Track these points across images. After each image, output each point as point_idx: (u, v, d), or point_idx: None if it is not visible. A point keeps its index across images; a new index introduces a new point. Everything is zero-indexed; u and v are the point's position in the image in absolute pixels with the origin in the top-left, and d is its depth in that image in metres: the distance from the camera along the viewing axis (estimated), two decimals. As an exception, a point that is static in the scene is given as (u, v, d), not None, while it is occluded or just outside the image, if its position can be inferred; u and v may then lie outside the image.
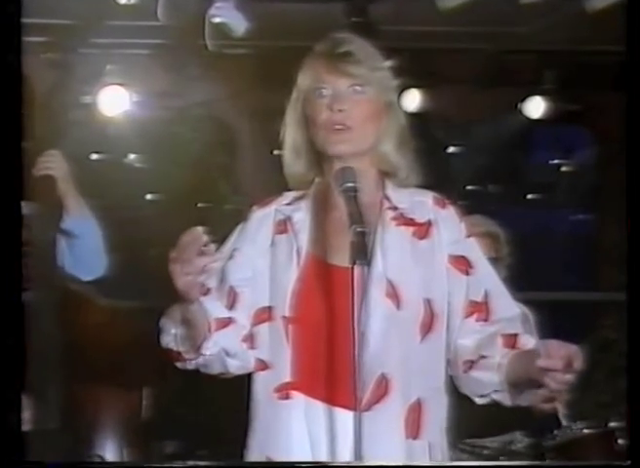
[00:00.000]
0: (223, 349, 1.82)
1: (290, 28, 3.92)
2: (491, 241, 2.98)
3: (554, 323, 3.05)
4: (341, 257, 1.77)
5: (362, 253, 1.65)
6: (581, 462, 2.57)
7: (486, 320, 1.85)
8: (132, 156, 5.11)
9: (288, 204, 1.90)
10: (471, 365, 1.83)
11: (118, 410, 2.72)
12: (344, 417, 1.74)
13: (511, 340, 1.83)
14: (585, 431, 2.70)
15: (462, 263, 1.86)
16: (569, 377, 1.68)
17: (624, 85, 1.73)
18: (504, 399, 1.83)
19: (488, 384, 1.82)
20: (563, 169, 5.58)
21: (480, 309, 1.86)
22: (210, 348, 1.80)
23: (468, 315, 1.85)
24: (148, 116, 4.74)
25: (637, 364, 1.71)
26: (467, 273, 1.85)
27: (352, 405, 1.68)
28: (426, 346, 1.82)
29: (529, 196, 5.69)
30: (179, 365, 1.83)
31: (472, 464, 1.78)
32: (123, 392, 2.75)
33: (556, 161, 5.58)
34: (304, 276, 1.81)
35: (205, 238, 1.67)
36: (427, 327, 1.81)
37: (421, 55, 4.63)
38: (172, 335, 1.81)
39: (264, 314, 1.84)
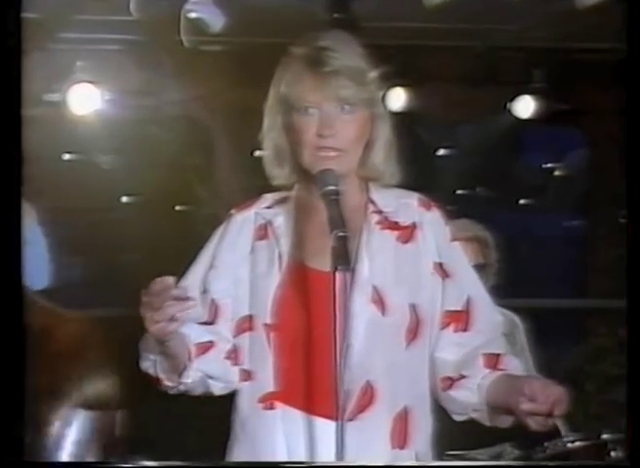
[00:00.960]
0: (206, 374, 1.83)
1: (269, 24, 3.92)
2: (479, 246, 3.00)
3: (545, 331, 3.07)
4: (324, 263, 1.77)
5: (343, 258, 1.66)
6: (582, 462, 2.60)
7: (465, 330, 1.86)
8: (103, 157, 5.11)
9: (268, 207, 1.90)
10: (450, 384, 1.85)
11: (92, 428, 2.70)
12: (328, 427, 1.75)
13: (493, 360, 1.84)
14: (577, 443, 2.71)
15: (443, 269, 1.87)
16: (552, 422, 1.71)
17: (620, 82, 1.75)
18: (483, 419, 1.84)
19: (466, 404, 1.83)
20: (554, 172, 5.61)
21: (459, 319, 1.86)
22: (191, 375, 1.81)
23: (445, 326, 1.86)
24: (121, 115, 4.73)
25: (637, 364, 1.73)
26: (447, 280, 1.86)
27: (336, 414, 1.69)
28: (412, 353, 1.83)
29: (519, 200, 5.72)
30: (160, 389, 1.84)
31: (461, 464, 1.81)
32: (95, 406, 2.73)
33: (547, 163, 5.62)
34: (286, 282, 1.82)
35: (176, 288, 1.68)
36: (413, 333, 1.82)
37: (406, 52, 4.64)
38: (151, 361, 1.81)
39: (245, 323, 1.85)
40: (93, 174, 5.02)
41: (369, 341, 1.77)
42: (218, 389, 1.86)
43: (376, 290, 1.79)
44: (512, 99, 4.99)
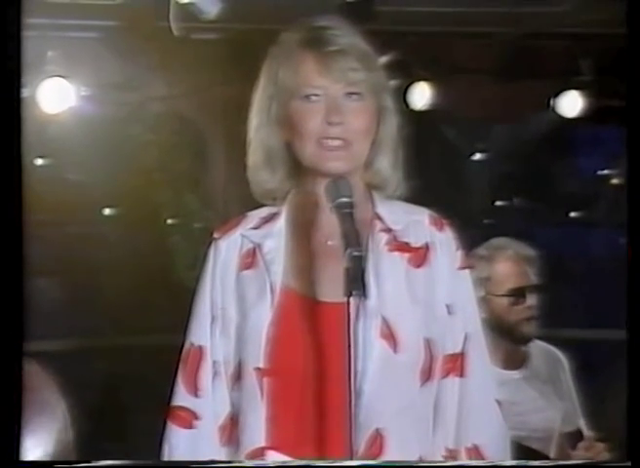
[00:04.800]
0: None
1: (271, 9, 3.96)
2: (520, 268, 3.01)
3: (595, 368, 3.07)
4: (329, 291, 1.78)
5: (359, 281, 1.65)
6: (582, 462, 2.64)
7: (462, 375, 1.87)
8: (80, 162, 5.14)
9: (255, 228, 1.89)
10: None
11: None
12: None
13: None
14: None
15: (446, 303, 1.86)
16: None
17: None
18: None
19: None
20: (609, 179, 5.61)
21: (456, 362, 1.87)
22: None
23: (446, 374, 1.86)
24: (99, 114, 4.77)
25: (637, 361, 1.77)
26: (449, 315, 1.86)
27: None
28: (426, 396, 1.83)
29: (565, 212, 5.73)
30: None
31: (471, 464, 1.84)
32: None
33: (600, 170, 5.62)
34: (281, 317, 1.81)
35: None
36: (427, 373, 1.83)
37: (430, 40, 4.66)
38: None
39: (236, 371, 1.85)
40: (69, 181, 5.06)
41: (378, 383, 1.77)
42: None
43: (386, 322, 1.79)
44: (556, 95, 5.00)
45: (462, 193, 5.43)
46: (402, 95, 4.66)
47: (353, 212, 1.77)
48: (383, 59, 1.90)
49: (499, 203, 5.61)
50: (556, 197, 5.73)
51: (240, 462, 1.83)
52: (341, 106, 1.82)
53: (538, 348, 3.07)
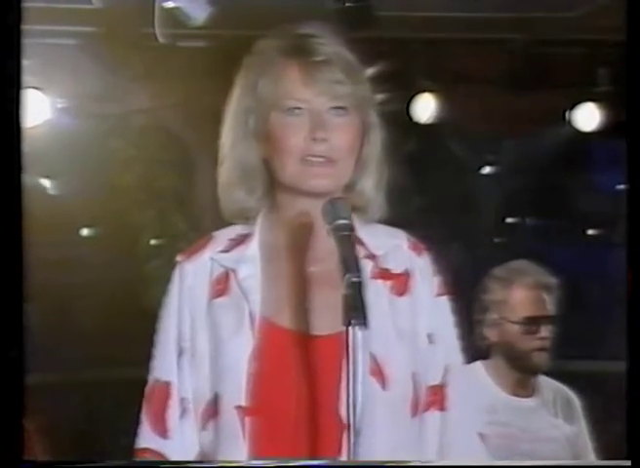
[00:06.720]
0: None
1: (264, 15, 3.96)
2: (538, 296, 3.02)
3: (612, 403, 3.04)
4: (317, 322, 1.78)
5: (359, 310, 1.63)
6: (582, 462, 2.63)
7: (442, 409, 1.86)
8: (57, 179, 5.15)
9: (225, 250, 1.87)
10: None
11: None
12: None
13: None
14: None
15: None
16: None
17: None
18: None
19: None
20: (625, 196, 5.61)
21: (437, 394, 1.87)
22: None
23: (428, 407, 1.86)
24: (77, 127, 4.78)
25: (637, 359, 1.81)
26: (429, 345, 1.86)
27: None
28: (418, 430, 1.83)
29: (582, 231, 5.73)
30: None
31: (462, 464, 1.85)
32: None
33: (616, 185, 5.63)
34: (263, 351, 1.80)
35: None
36: (416, 406, 1.83)
37: (435, 48, 4.67)
38: None
39: (210, 408, 1.83)
40: (44, 200, 5.05)
41: (369, 421, 1.75)
42: None
43: (373, 357, 1.78)
44: (571, 107, 5.01)
45: (471, 210, 5.44)
46: (405, 106, 4.67)
47: (352, 234, 1.75)
48: (369, 71, 1.90)
49: (509, 220, 5.61)
50: (571, 215, 5.74)
51: (237, 462, 1.81)
52: (327, 121, 1.82)
53: (548, 385, 3.08)
